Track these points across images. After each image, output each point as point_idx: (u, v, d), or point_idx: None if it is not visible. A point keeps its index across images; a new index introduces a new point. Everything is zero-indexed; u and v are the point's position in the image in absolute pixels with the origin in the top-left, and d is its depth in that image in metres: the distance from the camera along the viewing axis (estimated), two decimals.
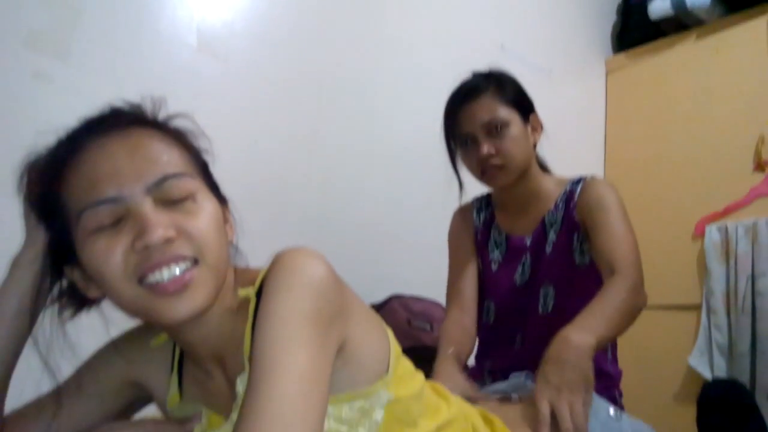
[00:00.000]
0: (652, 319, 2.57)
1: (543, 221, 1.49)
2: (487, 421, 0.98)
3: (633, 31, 3.11)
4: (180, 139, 0.78)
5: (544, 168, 1.58)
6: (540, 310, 1.47)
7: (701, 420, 1.25)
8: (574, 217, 1.44)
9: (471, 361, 1.59)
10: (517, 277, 1.51)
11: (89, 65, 1.56)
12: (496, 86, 1.44)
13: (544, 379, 1.06)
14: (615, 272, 1.27)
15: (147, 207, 0.68)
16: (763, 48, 2.59)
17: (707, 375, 2.43)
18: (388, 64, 2.27)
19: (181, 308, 0.68)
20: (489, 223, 1.60)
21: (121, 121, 0.74)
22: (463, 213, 1.65)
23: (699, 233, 2.62)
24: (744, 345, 2.33)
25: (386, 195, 2.18)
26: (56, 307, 0.81)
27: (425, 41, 2.39)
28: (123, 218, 0.69)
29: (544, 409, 1.00)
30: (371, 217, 2.13)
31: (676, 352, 2.55)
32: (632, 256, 1.31)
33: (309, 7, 2.06)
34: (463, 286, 1.54)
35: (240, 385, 0.71)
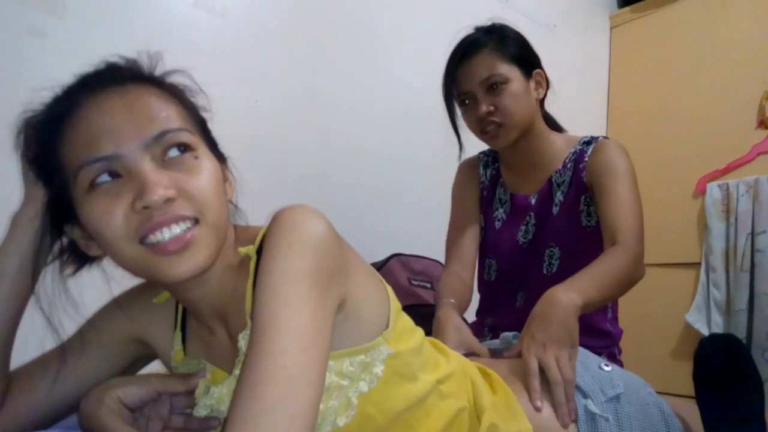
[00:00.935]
0: (651, 276, 2.56)
1: (550, 181, 1.46)
2: (485, 375, 0.99)
3: None
4: (178, 95, 0.77)
5: (554, 126, 1.54)
6: (544, 270, 1.46)
7: (698, 375, 1.26)
8: (582, 179, 1.41)
9: (472, 317, 1.61)
10: (520, 236, 1.50)
11: (84, 21, 1.53)
12: (497, 41, 1.39)
13: (529, 336, 1.07)
14: (617, 242, 1.26)
15: (146, 165, 0.67)
16: None
17: (704, 332, 2.46)
18: (390, 18, 2.23)
19: (182, 267, 0.68)
20: (495, 180, 1.58)
21: (118, 77, 0.73)
22: (469, 166, 1.62)
23: (700, 191, 2.62)
24: (742, 302, 2.35)
25: (387, 153, 2.17)
26: (58, 264, 0.81)
27: None
28: (122, 177, 0.68)
29: (533, 364, 1.02)
30: (372, 176, 2.12)
31: (675, 309, 2.57)
32: (636, 228, 1.29)
33: None
34: (463, 241, 1.53)
35: (242, 342, 0.72)
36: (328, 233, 0.70)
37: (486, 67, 1.37)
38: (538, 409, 0.97)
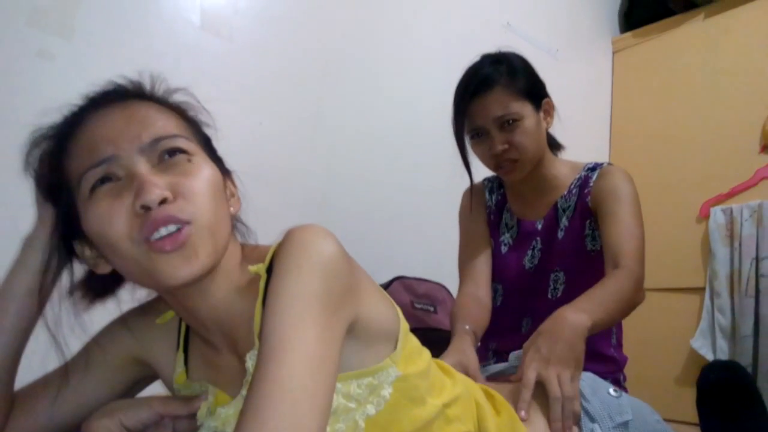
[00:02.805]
0: (656, 301, 2.58)
1: (556, 206, 1.48)
2: (489, 396, 0.98)
3: (640, 9, 3.08)
4: (179, 111, 0.79)
5: (556, 146, 1.56)
6: (549, 294, 1.46)
7: (701, 402, 1.25)
8: (587, 204, 1.43)
9: None
10: (526, 261, 1.51)
11: (92, 43, 1.55)
12: (507, 76, 1.39)
13: (534, 348, 1.06)
14: (619, 265, 1.27)
15: (143, 167, 0.69)
16: None
17: (710, 357, 2.43)
18: (393, 43, 2.25)
19: (180, 267, 0.68)
20: (501, 205, 1.59)
21: (121, 95, 0.76)
22: (475, 191, 1.62)
23: (704, 215, 2.61)
24: (747, 328, 2.34)
25: (390, 176, 2.18)
26: (66, 285, 0.81)
27: (430, 19, 2.37)
28: (121, 180, 0.70)
29: (530, 374, 1.01)
30: (375, 199, 2.13)
31: (680, 334, 2.56)
32: (638, 252, 1.30)
33: None
34: (476, 262, 1.53)
35: (250, 362, 0.71)
36: (339, 254, 0.70)
37: (500, 106, 1.37)
38: (522, 420, 0.96)
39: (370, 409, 0.74)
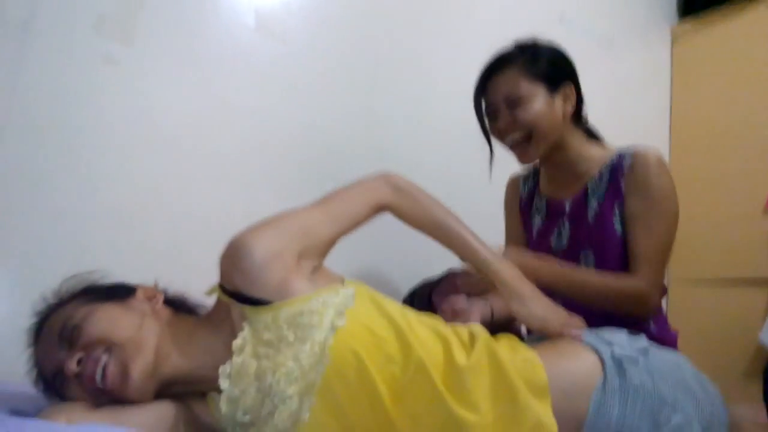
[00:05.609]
0: (721, 293, 2.49)
1: (585, 189, 1.47)
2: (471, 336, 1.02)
3: None
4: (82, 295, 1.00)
5: (593, 136, 1.55)
6: None
7: (767, 395, 1.22)
8: (620, 189, 1.41)
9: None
10: (554, 240, 1.53)
11: (153, 49, 1.61)
12: (527, 59, 1.42)
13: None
14: (635, 275, 1.33)
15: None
16: None
17: None
18: (446, 38, 2.25)
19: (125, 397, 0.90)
20: (533, 192, 1.64)
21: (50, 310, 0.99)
22: (513, 182, 1.69)
23: None
24: None
25: (442, 170, 2.18)
26: None
27: (484, 13, 2.36)
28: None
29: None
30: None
31: (747, 327, 2.47)
32: (656, 268, 1.34)
33: None
34: None
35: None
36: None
37: (509, 85, 1.42)
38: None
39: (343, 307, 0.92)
